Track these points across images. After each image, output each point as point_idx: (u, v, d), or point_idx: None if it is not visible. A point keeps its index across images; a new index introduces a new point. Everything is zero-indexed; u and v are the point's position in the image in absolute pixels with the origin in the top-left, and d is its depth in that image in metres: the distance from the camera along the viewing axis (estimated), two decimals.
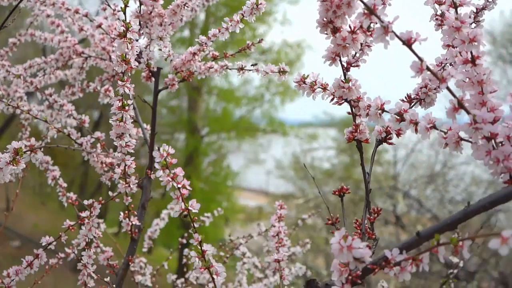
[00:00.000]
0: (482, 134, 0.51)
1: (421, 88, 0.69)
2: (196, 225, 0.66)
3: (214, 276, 0.64)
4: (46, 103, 1.21)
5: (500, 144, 0.52)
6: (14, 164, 0.67)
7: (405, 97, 0.69)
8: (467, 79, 0.54)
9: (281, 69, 0.85)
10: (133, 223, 0.97)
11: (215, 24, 10.64)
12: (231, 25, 0.89)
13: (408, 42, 0.51)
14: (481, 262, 6.21)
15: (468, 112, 0.51)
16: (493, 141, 0.53)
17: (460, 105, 0.51)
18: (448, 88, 0.51)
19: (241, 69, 0.95)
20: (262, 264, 1.42)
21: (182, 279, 1.33)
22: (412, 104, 0.69)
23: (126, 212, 0.96)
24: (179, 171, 0.63)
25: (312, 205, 6.93)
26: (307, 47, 10.95)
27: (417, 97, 0.69)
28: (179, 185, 0.62)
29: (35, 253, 0.91)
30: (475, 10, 0.73)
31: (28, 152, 0.67)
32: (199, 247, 0.65)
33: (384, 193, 5.82)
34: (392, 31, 0.50)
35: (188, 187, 0.63)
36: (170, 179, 0.62)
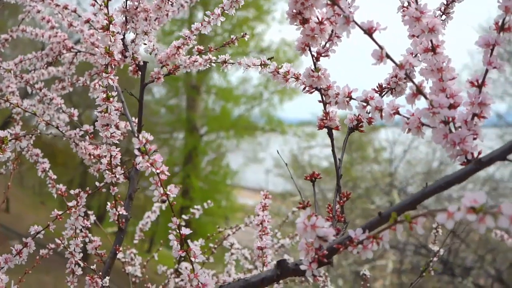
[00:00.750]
0: (440, 118, 0.53)
1: (391, 77, 0.72)
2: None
3: (192, 258, 0.67)
4: (37, 98, 1.24)
5: (458, 128, 0.55)
6: (0, 152, 0.70)
7: (376, 86, 0.72)
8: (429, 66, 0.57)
9: (262, 62, 0.87)
10: (120, 213, 1.00)
11: None
12: (212, 18, 0.92)
13: (369, 31, 0.53)
14: (477, 258, 6.25)
15: (426, 98, 0.54)
16: (452, 125, 0.55)
17: (418, 91, 0.54)
18: (407, 75, 0.54)
19: (224, 62, 0.98)
20: (252, 256, 1.45)
21: (171, 270, 1.36)
22: (384, 93, 0.72)
23: (113, 202, 0.99)
24: (158, 157, 0.66)
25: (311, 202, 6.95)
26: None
27: (388, 86, 0.72)
28: (158, 171, 0.65)
29: (24, 241, 0.94)
30: (445, 2, 0.76)
31: (13, 141, 0.70)
32: (178, 231, 0.67)
33: (380, 190, 5.84)
34: (353, 21, 0.53)
35: (167, 173, 0.66)
36: (149, 165, 0.65)
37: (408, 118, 0.58)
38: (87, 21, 1.11)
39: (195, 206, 1.45)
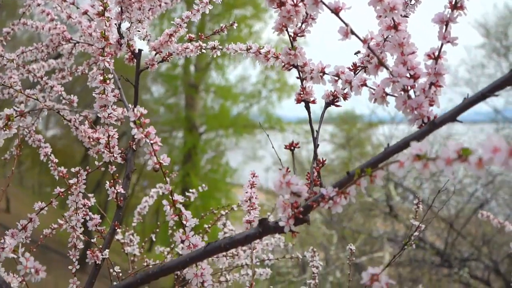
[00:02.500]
0: (399, 86, 0.60)
1: (364, 56, 0.78)
2: (167, 179, 0.76)
3: (184, 222, 0.74)
4: (38, 87, 1.31)
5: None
6: (7, 129, 0.77)
7: (351, 65, 0.79)
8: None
9: (248, 47, 0.94)
10: (118, 191, 1.07)
11: (211, 21, 10.72)
12: (201, 6, 0.99)
13: (336, 11, 0.60)
14: (473, 250, 6.33)
15: (387, 68, 0.61)
16: (411, 93, 0.62)
17: (380, 63, 0.61)
18: (369, 48, 0.61)
19: (213, 48, 1.04)
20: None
21: (168, 249, 1.43)
22: (358, 71, 0.79)
23: (112, 181, 1.06)
24: (152, 129, 0.72)
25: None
26: (303, 43, 11.04)
27: (362, 64, 0.78)
28: (152, 141, 0.72)
29: (29, 217, 1.01)
30: None
31: (18, 117, 0.77)
32: (170, 197, 0.74)
33: (376, 184, 5.91)
34: (321, 1, 0.59)
35: (159, 144, 0.73)
36: (144, 136, 0.72)
37: (374, 89, 0.65)
38: (85, 13, 1.17)
39: (190, 190, 1.52)
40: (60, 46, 1.30)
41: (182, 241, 0.73)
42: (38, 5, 1.29)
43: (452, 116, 0.56)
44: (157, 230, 1.56)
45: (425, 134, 0.58)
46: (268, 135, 1.03)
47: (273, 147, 1.05)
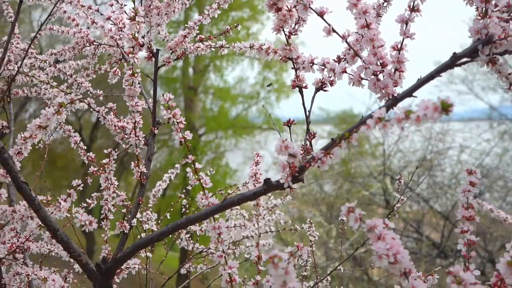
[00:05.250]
0: (370, 72, 0.79)
1: (346, 50, 0.96)
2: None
3: (204, 185, 0.92)
4: (65, 84, 1.49)
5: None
6: (58, 114, 0.95)
7: (336, 57, 0.97)
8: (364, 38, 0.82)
9: (251, 45, 1.12)
10: (142, 171, 1.25)
11: (210, 23, 10.93)
12: (211, 11, 1.17)
13: (321, 14, 0.78)
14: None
15: (361, 58, 0.79)
16: (381, 76, 0.80)
17: (355, 54, 0.79)
18: (347, 43, 0.79)
19: (221, 46, 1.23)
20: (250, 216, 1.70)
21: None
22: (341, 62, 0.97)
23: (136, 161, 1.24)
24: (178, 111, 0.90)
25: (312, 198, 7.23)
26: (300, 44, 11.24)
27: (344, 57, 0.96)
28: (178, 120, 0.90)
29: (68, 192, 1.18)
30: None
31: (69, 104, 0.94)
32: (193, 165, 0.92)
33: (374, 178, 6.11)
34: (310, 7, 0.78)
35: (184, 122, 0.91)
36: (171, 116, 0.90)
37: (352, 75, 0.83)
38: (108, 18, 1.35)
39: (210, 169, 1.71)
40: (84, 47, 1.48)
41: (202, 201, 0.91)
42: (65, 12, 1.47)
43: (409, 93, 0.75)
44: (171, 209, 1.74)
45: (389, 107, 0.76)
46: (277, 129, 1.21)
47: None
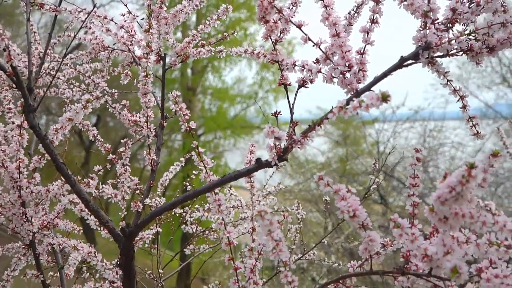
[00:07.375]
0: (338, 72, 0.99)
1: (321, 54, 1.17)
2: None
3: (206, 165, 1.12)
4: (83, 86, 1.69)
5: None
6: (85, 109, 1.15)
7: (315, 59, 1.17)
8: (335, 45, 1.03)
9: (245, 49, 1.32)
10: (153, 158, 1.45)
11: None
12: (212, 21, 1.38)
13: (299, 26, 0.99)
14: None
15: (331, 61, 0.99)
16: (347, 75, 1.01)
17: (327, 57, 1.00)
18: (320, 49, 0.99)
19: (220, 51, 1.43)
20: (248, 203, 1.90)
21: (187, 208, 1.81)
22: (317, 64, 1.17)
23: (148, 150, 1.44)
24: (183, 105, 1.11)
25: (309, 195, 7.44)
26: (297, 44, 11.46)
27: (319, 60, 1.17)
28: (184, 113, 1.10)
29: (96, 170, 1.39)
30: (357, 5, 1.21)
31: (95, 100, 1.15)
32: (197, 150, 1.13)
33: (367, 174, 6.31)
34: (290, 21, 0.98)
35: (188, 114, 1.11)
36: (179, 110, 1.10)
37: (325, 75, 1.04)
38: (122, 27, 1.56)
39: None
40: (99, 52, 1.68)
41: (205, 178, 1.12)
42: (82, 21, 1.67)
43: (368, 87, 0.95)
44: (177, 195, 1.94)
45: (354, 96, 0.96)
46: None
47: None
